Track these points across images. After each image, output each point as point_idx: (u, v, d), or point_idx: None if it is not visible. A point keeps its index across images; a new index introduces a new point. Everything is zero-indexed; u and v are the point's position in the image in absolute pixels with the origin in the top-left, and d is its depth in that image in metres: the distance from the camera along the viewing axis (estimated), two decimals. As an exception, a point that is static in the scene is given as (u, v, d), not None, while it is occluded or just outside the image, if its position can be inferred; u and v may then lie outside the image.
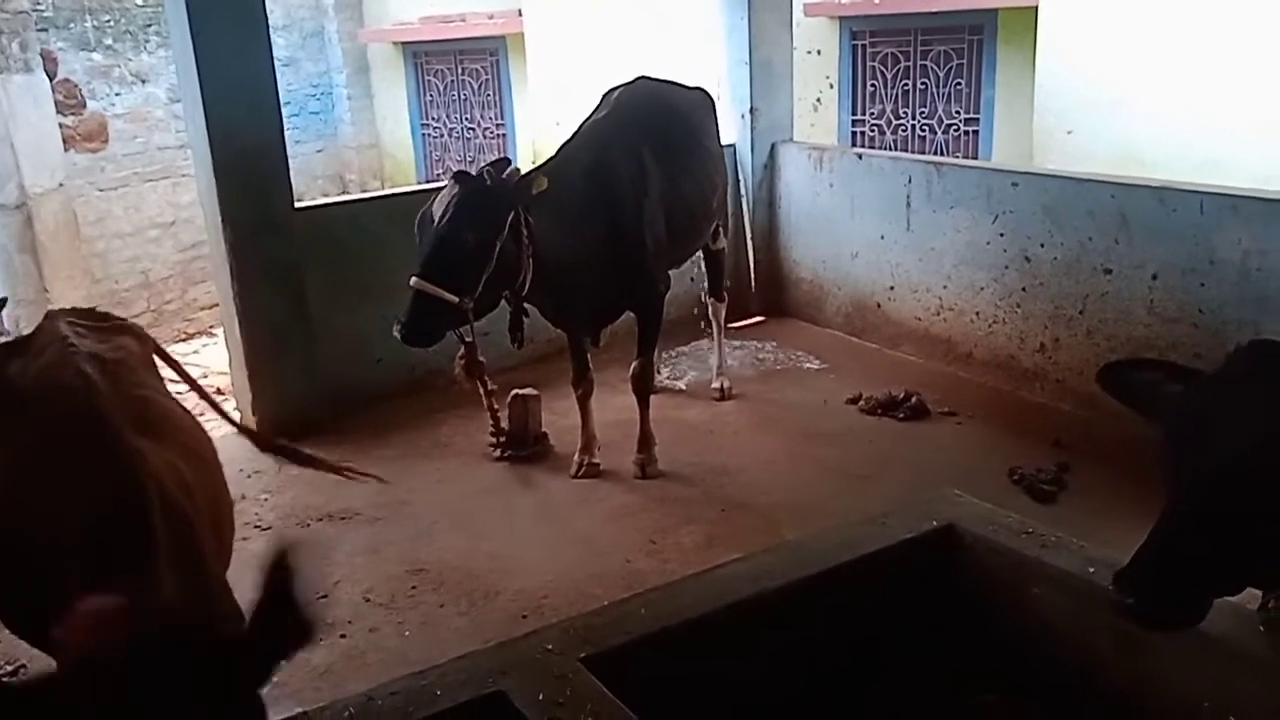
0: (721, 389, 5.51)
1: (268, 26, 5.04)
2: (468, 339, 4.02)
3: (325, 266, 5.28)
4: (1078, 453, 4.57)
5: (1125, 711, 2.19)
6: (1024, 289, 5.23)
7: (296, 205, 5.26)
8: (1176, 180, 4.80)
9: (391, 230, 5.40)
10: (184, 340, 8.08)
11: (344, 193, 10.24)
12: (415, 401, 5.34)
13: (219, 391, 6.88)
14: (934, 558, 2.53)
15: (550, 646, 2.07)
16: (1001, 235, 5.31)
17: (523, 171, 4.03)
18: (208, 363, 7.03)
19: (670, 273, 4.81)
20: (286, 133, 5.36)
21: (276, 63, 5.20)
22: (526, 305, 4.21)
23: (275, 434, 4.97)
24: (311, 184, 10.06)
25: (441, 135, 10.88)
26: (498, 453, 4.78)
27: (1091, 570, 2.28)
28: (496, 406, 4.44)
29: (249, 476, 4.59)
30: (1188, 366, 2.10)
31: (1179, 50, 7.01)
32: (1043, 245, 5.10)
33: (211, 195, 4.97)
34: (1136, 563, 1.83)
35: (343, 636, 3.46)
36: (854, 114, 9.02)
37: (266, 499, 4.49)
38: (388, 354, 5.47)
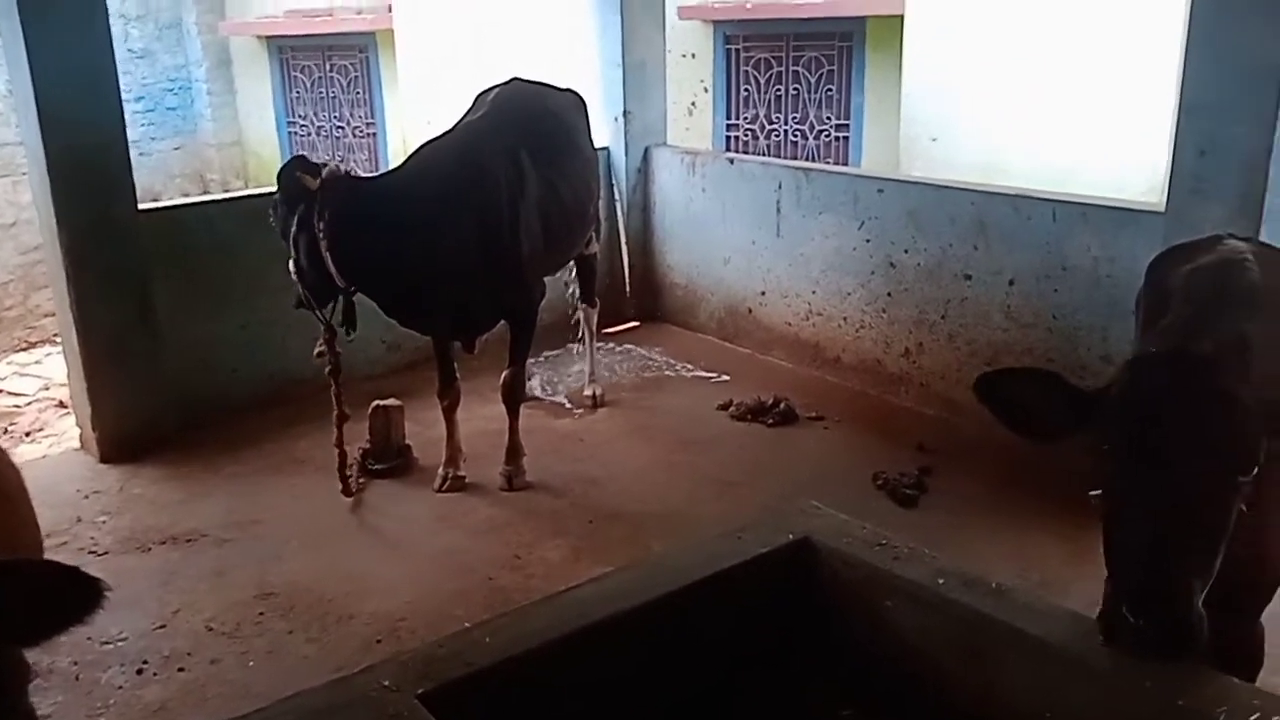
0: (593, 396, 5.43)
1: (106, 15, 4.74)
2: (324, 322, 4.13)
3: (175, 272, 5.01)
4: (940, 455, 4.65)
5: (973, 723, 2.19)
6: (889, 294, 5.31)
7: (141, 207, 4.96)
8: (1032, 189, 4.93)
9: (250, 233, 5.15)
10: (25, 349, 7.60)
11: (205, 192, 9.83)
12: (274, 414, 5.10)
13: (60, 404, 6.51)
14: (790, 571, 2.49)
15: (386, 683, 1.94)
16: (868, 241, 5.37)
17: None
18: (50, 374, 6.63)
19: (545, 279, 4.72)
20: (141, 129, 5.09)
21: (131, 55, 4.96)
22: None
23: (115, 449, 4.73)
24: (169, 183, 9.62)
25: (309, 133, 10.54)
26: (351, 474, 4.52)
27: (941, 582, 2.26)
28: (347, 413, 4.28)
29: (86, 498, 4.32)
30: (1059, 376, 2.13)
31: (1037, 63, 7.27)
32: (907, 251, 5.18)
33: (46, 196, 4.65)
34: (1150, 596, 1.84)
35: (181, 670, 3.25)
36: (729, 118, 9.07)
37: (104, 521, 4.21)
38: (244, 365, 5.25)
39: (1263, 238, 3.58)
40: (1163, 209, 4.02)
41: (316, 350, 4.20)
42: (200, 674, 3.25)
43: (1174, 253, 2.85)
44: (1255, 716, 1.80)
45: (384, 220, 3.92)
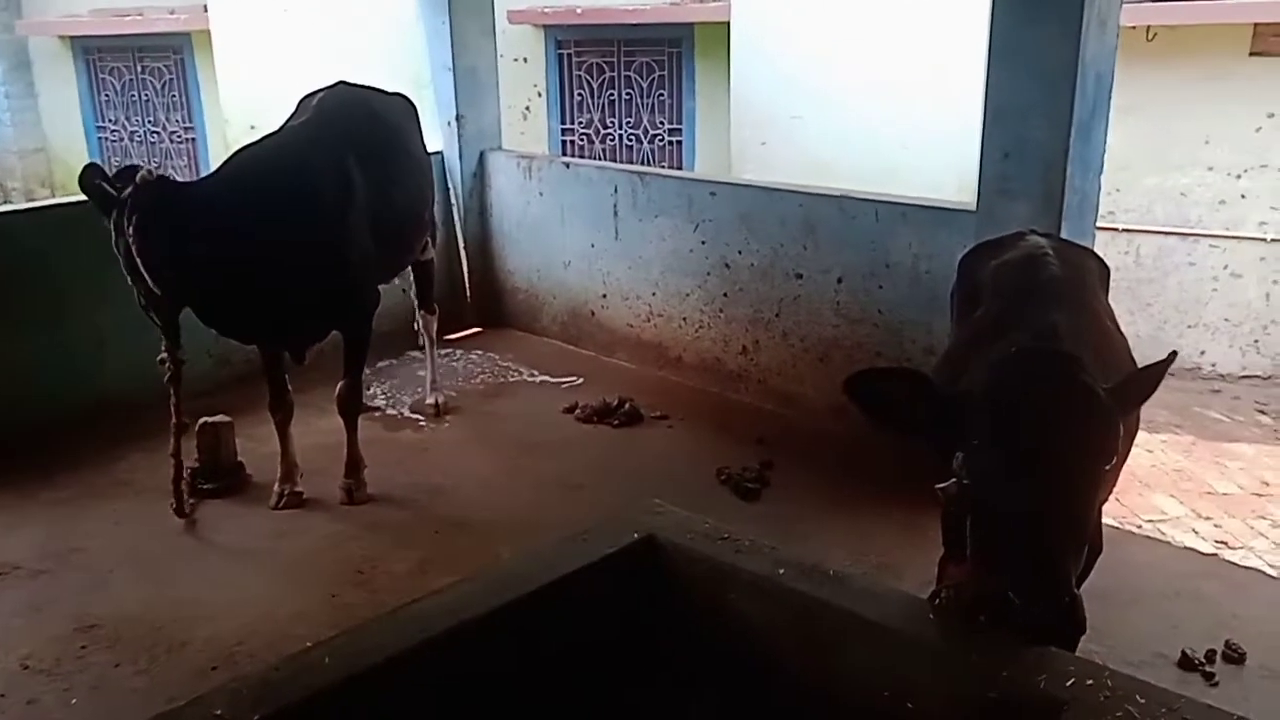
0: (436, 404, 5.34)
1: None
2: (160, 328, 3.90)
3: (-27, 288, 4.65)
4: (779, 449, 4.79)
5: (815, 707, 2.26)
6: (725, 294, 5.43)
7: (-68, 219, 4.59)
8: (856, 190, 5.14)
9: (59, 245, 4.87)
10: None
11: (5, 201, 9.15)
12: (91, 437, 4.79)
13: None
14: (636, 570, 2.52)
15: (219, 711, 1.86)
16: (703, 243, 5.48)
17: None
18: None
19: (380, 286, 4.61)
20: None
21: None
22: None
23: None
24: (-35, 193, 8.92)
25: (121, 138, 9.98)
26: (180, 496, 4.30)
27: (782, 572, 2.34)
28: (186, 423, 4.09)
29: (-122, 533, 3.95)
30: (924, 376, 2.24)
31: (858, 69, 7.59)
32: (740, 252, 5.31)
33: None
34: (1049, 580, 1.94)
35: (-7, 714, 3.03)
36: (563, 122, 9.10)
37: (-100, 559, 3.87)
38: (56, 385, 4.93)
39: (1063, 233, 3.85)
40: (974, 208, 4.25)
41: (160, 356, 3.98)
42: (16, 716, 3.02)
43: (981, 249, 3.03)
44: (1070, 682, 1.93)
45: (197, 226, 3.73)
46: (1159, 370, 2.16)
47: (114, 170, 3.80)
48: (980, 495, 2.08)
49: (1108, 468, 2.04)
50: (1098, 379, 2.06)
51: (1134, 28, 7.72)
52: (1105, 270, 3.09)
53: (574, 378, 5.77)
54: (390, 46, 7.39)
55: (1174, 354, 2.26)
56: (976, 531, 2.22)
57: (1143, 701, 1.85)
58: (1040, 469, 1.95)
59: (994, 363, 2.17)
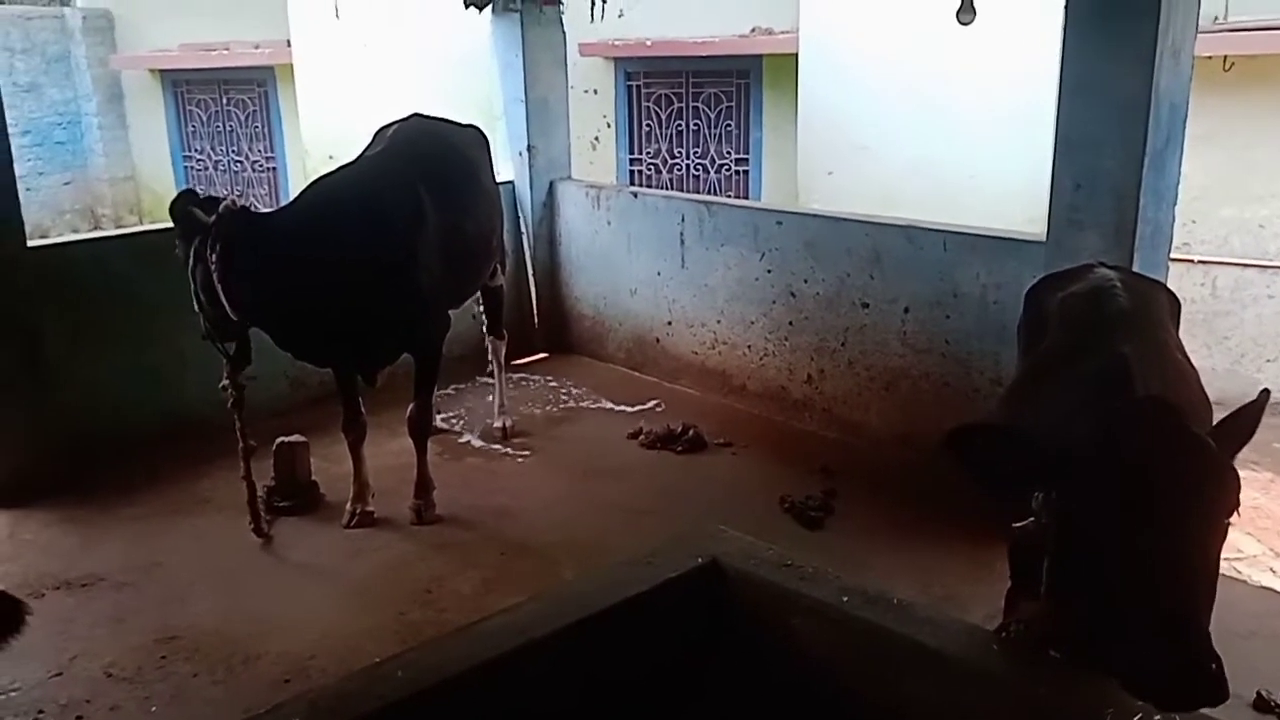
0: (503, 428, 5.43)
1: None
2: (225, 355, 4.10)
3: (66, 310, 4.87)
4: (843, 478, 4.78)
5: (879, 735, 2.26)
6: (791, 323, 5.45)
7: (30, 244, 4.82)
8: (924, 220, 5.14)
9: (144, 270, 5.07)
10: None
11: (96, 227, 9.54)
12: (172, 454, 4.96)
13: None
14: (700, 594, 2.55)
15: (297, 720, 1.94)
16: (769, 271, 5.52)
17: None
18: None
19: (450, 312, 4.72)
20: (29, 163, 4.94)
21: (17, 88, 4.78)
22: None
23: (3, 493, 4.56)
24: (59, 219, 9.33)
25: (206, 168, 10.34)
26: (257, 516, 4.42)
27: (845, 599, 2.35)
28: (253, 445, 4.22)
29: (-26, 545, 4.14)
30: (1023, 431, 2.20)
31: (924, 99, 7.57)
32: (806, 281, 5.33)
33: (-74, 234, 4.48)
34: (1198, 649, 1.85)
35: (79, 718, 3.14)
36: (631, 153, 9.21)
37: (-6, 569, 4.05)
38: (139, 404, 5.12)
39: (1135, 264, 3.81)
40: (1044, 239, 4.23)
41: (221, 383, 4.13)
42: (99, 722, 3.15)
43: (1049, 280, 3.02)
44: (1139, 717, 1.91)
45: (276, 254, 3.88)
46: (1255, 411, 2.11)
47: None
48: (1100, 549, 1.98)
49: (1229, 521, 1.99)
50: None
51: (1210, 58, 7.58)
52: (1176, 303, 3.06)
53: (641, 404, 5.81)
54: (464, 79, 7.58)
55: (1267, 392, 2.19)
56: (1058, 573, 2.19)
57: (1210, 738, 1.82)
58: (1174, 525, 1.89)
59: (1105, 414, 2.09)
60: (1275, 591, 4.33)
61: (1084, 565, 2.05)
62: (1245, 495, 2.00)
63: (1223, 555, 2.06)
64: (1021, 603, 2.55)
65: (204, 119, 10.23)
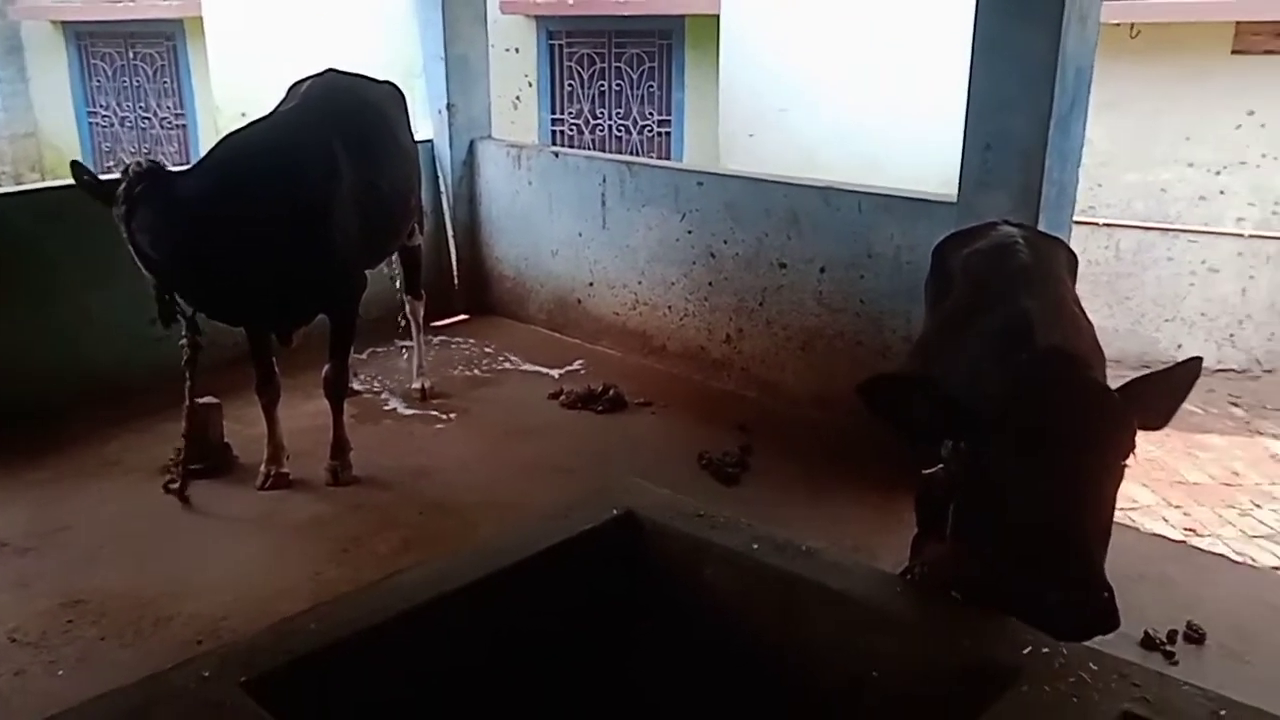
0: (422, 389, 5.39)
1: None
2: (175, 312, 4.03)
3: (-39, 270, 4.69)
4: (760, 435, 4.85)
5: (788, 675, 2.33)
6: (710, 283, 5.49)
7: (-79, 200, 4.62)
8: (840, 181, 5.20)
9: (48, 228, 4.90)
10: None
11: (-6, 186, 9.15)
12: (79, 418, 4.83)
13: None
14: (615, 545, 2.58)
15: (206, 674, 1.92)
16: (689, 232, 5.54)
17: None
18: None
19: (368, 272, 4.65)
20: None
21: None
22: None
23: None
24: (-47, 176, 8.92)
25: (112, 124, 9.98)
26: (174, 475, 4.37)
27: (756, 547, 2.40)
28: (198, 404, 4.19)
29: None
30: (933, 381, 2.29)
31: (844, 62, 7.64)
32: (726, 242, 5.37)
33: None
34: (1091, 577, 1.97)
35: (-18, 684, 3.07)
36: (553, 113, 9.14)
37: (-112, 536, 3.91)
38: (43, 366, 4.96)
39: (1040, 224, 3.93)
40: (955, 199, 4.32)
41: (180, 340, 4.11)
42: (3, 686, 3.07)
43: (954, 238, 3.10)
44: (1027, 650, 2.00)
45: (185, 213, 3.77)
46: (1189, 374, 2.18)
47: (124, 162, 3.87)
48: (1006, 493, 2.08)
49: (1125, 464, 2.09)
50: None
51: (1118, 25, 7.80)
52: (1074, 260, 3.17)
53: (563, 366, 5.82)
54: (382, 35, 7.43)
55: (1199, 359, 2.25)
56: (964, 517, 2.28)
57: (1095, 668, 1.92)
58: (1074, 468, 2.00)
59: (1013, 366, 2.19)
60: (1165, 538, 4.55)
61: (988, 508, 2.14)
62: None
63: (1119, 505, 2.17)
64: (926, 546, 2.64)
65: (109, 74, 9.85)
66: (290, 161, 4.15)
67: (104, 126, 9.98)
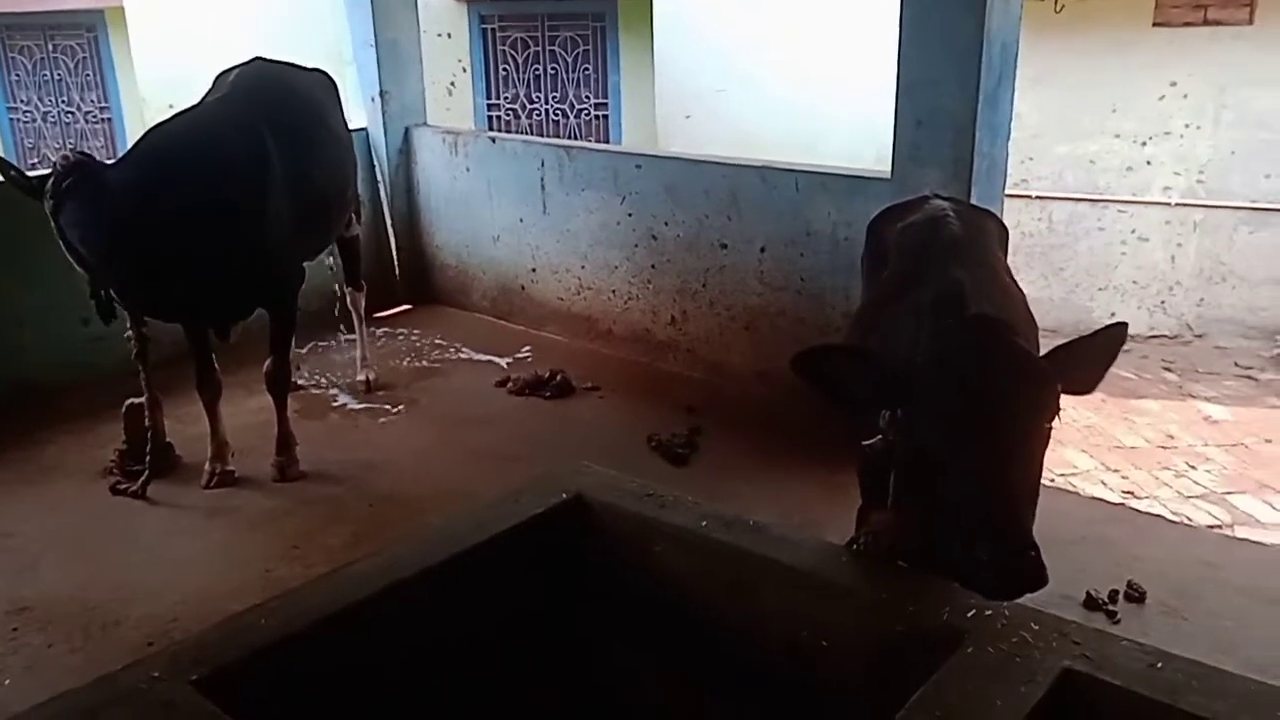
0: (366, 381, 5.36)
1: None
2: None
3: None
4: (707, 416, 4.90)
5: (740, 648, 2.37)
6: (653, 266, 5.52)
7: None
8: (777, 161, 5.24)
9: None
10: None
11: (-87, 187, 8.85)
12: (12, 422, 4.73)
13: None
14: (566, 528, 2.60)
15: (157, 674, 1.91)
16: (630, 215, 5.56)
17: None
18: None
19: (305, 264, 4.60)
20: None
21: None
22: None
23: None
24: None
25: (34, 119, 9.70)
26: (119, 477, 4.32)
27: (704, 524, 2.44)
28: (158, 397, 4.20)
29: None
30: (867, 350, 2.35)
31: (780, 42, 7.69)
32: (666, 224, 5.40)
33: None
34: (1018, 535, 2.00)
35: (-75, 698, 3.01)
36: (489, 98, 9.08)
37: None
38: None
39: (973, 197, 4.01)
40: (889, 176, 4.39)
41: (126, 333, 4.09)
42: (-53, 700, 3.02)
43: (888, 213, 3.15)
44: (971, 613, 2.06)
45: (111, 208, 3.69)
46: (1108, 343, 2.22)
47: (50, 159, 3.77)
48: (936, 459, 2.13)
49: (1050, 425, 2.14)
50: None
51: (1042, 1, 7.94)
52: (1004, 231, 3.24)
53: (508, 354, 5.81)
54: (311, 22, 7.32)
55: (1124, 324, 2.30)
56: (903, 485, 2.33)
57: (1036, 628, 1.98)
58: (998, 431, 2.04)
59: (939, 332, 2.24)
60: (1103, 501, 4.69)
61: (922, 475, 2.20)
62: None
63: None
64: (871, 516, 2.70)
65: (29, 67, 9.57)
66: (219, 153, 4.07)
67: (26, 122, 9.70)
